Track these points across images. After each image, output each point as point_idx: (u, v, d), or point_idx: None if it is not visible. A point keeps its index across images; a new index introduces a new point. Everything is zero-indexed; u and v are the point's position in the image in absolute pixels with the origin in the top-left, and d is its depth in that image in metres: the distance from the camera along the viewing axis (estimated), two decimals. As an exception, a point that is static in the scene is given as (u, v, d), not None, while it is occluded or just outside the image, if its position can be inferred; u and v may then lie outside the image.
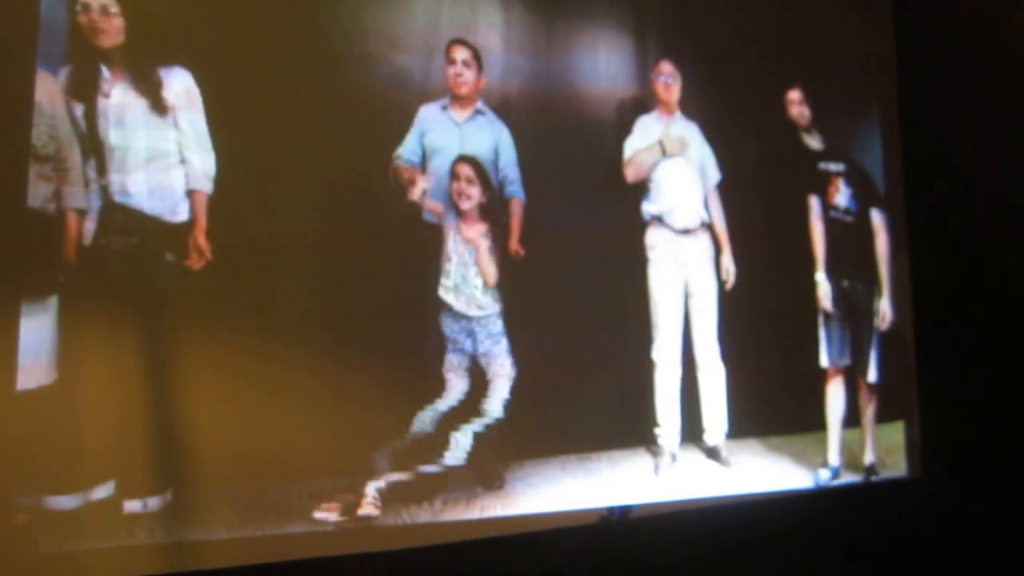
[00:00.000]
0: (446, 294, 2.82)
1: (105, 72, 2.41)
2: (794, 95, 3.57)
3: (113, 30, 2.41)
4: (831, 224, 3.53)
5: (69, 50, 2.38)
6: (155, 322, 2.42)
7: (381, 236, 2.76)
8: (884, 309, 3.60)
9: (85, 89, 2.38)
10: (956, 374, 3.59)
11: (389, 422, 2.67)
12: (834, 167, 3.56)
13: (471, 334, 2.82)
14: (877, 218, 3.64)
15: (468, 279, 2.83)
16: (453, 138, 2.88)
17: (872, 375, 3.56)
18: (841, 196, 3.55)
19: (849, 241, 3.58)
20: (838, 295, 3.50)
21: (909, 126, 3.86)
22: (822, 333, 3.49)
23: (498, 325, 2.85)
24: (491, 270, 2.84)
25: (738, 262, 3.33)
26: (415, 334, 2.78)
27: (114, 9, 2.40)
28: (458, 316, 2.82)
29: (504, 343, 2.85)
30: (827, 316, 3.49)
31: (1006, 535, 3.28)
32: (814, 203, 3.52)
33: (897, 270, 3.78)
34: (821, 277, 3.49)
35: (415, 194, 2.77)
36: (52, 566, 2.24)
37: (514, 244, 2.91)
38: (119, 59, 2.42)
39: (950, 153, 3.71)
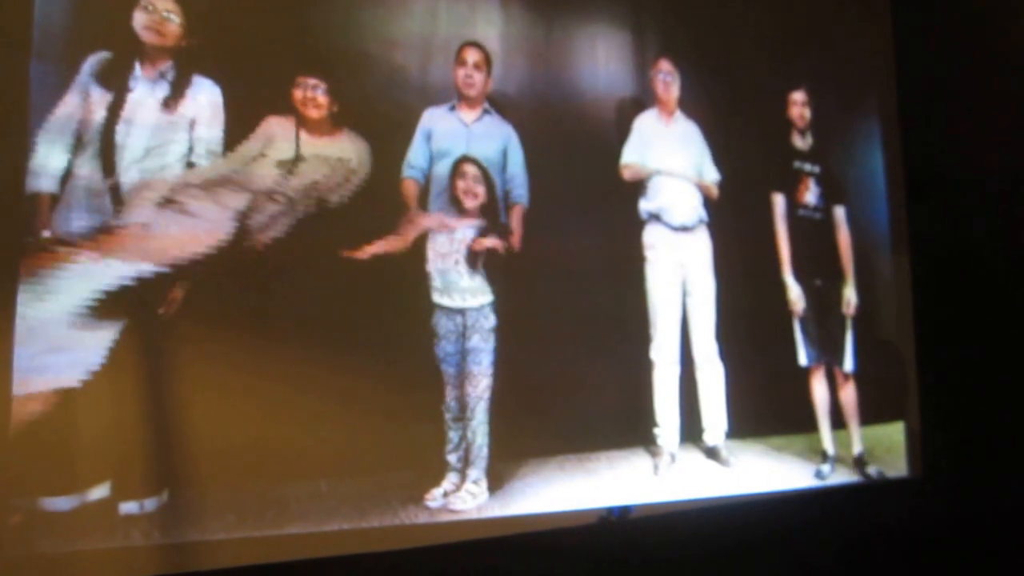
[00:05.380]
0: (440, 297, 2.81)
1: (137, 69, 2.46)
2: (798, 96, 3.57)
3: (168, 33, 2.49)
4: (800, 222, 3.52)
5: (109, 37, 2.42)
6: (151, 322, 2.41)
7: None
8: (849, 296, 3.59)
9: (116, 79, 2.42)
10: (956, 374, 3.59)
11: (386, 422, 2.65)
12: (809, 167, 3.56)
13: (462, 331, 2.80)
14: (839, 213, 3.64)
15: (450, 273, 2.81)
16: (460, 140, 2.88)
17: (848, 364, 3.55)
18: (810, 194, 3.55)
19: (820, 239, 3.58)
20: (811, 294, 3.49)
21: (909, 128, 3.86)
22: (798, 334, 3.48)
23: (491, 320, 2.83)
24: (477, 259, 2.83)
25: (737, 260, 3.33)
26: (412, 333, 2.77)
27: (175, 17, 2.49)
28: (451, 313, 2.81)
29: (492, 341, 2.82)
30: (803, 316, 3.48)
31: (1006, 535, 3.27)
32: (780, 201, 3.50)
33: (898, 271, 3.78)
34: (790, 280, 3.47)
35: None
36: (48, 568, 2.23)
37: (515, 243, 2.91)
38: (156, 59, 2.48)
39: (950, 154, 3.71)
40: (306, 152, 2.65)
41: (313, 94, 2.65)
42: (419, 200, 2.82)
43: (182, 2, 2.51)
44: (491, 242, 2.83)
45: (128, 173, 2.41)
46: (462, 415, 2.78)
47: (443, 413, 2.77)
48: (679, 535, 2.96)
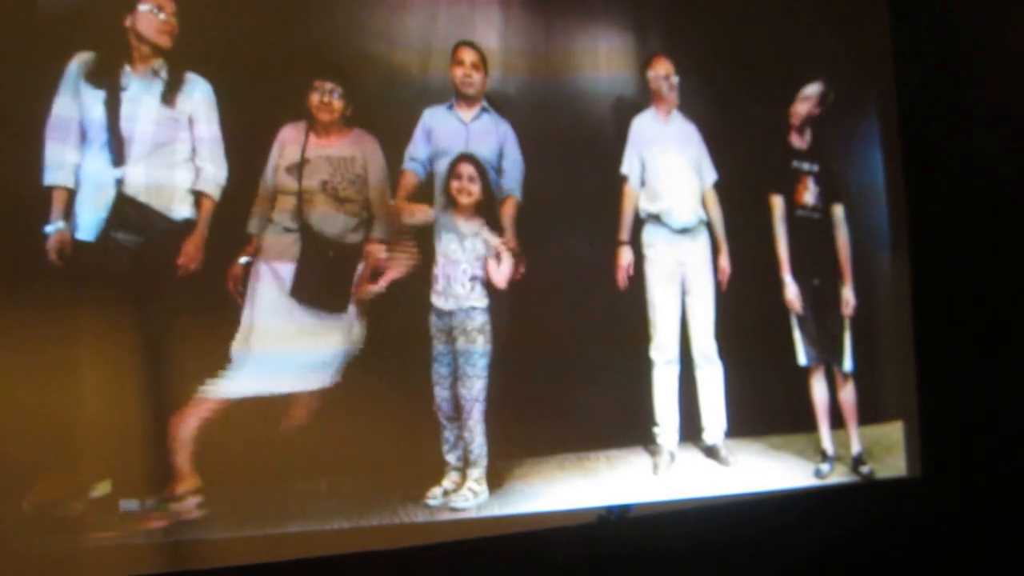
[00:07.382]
0: (436, 299, 2.81)
1: (127, 67, 2.46)
2: (795, 94, 3.56)
3: (162, 31, 2.49)
4: (799, 222, 3.51)
5: (97, 36, 2.42)
6: (154, 320, 2.42)
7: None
8: (847, 297, 3.58)
9: (106, 77, 2.42)
10: (955, 374, 3.58)
11: (386, 421, 2.66)
12: (808, 167, 3.56)
13: (449, 331, 2.80)
14: (838, 213, 3.62)
15: (454, 281, 2.81)
16: (460, 138, 2.90)
17: (847, 364, 3.54)
18: (809, 194, 3.54)
19: (819, 238, 3.56)
20: (810, 294, 3.49)
21: (909, 126, 3.85)
22: (798, 333, 3.47)
23: (476, 322, 2.82)
24: (502, 274, 2.84)
25: (736, 259, 3.33)
26: (413, 332, 2.78)
27: (172, 16, 2.49)
28: (441, 314, 2.81)
29: (481, 343, 2.82)
30: (801, 316, 3.48)
31: (1006, 535, 3.27)
32: (779, 203, 3.49)
33: (897, 271, 3.77)
34: (788, 279, 3.46)
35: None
36: (49, 565, 2.24)
37: (509, 242, 2.90)
38: (147, 57, 2.48)
39: (950, 153, 3.70)
40: (311, 155, 2.66)
41: (330, 98, 2.66)
42: (418, 196, 2.84)
43: (179, 1, 2.51)
44: (505, 273, 2.83)
45: (136, 167, 2.42)
46: (456, 415, 2.78)
47: (435, 413, 2.78)
48: (678, 534, 2.95)
